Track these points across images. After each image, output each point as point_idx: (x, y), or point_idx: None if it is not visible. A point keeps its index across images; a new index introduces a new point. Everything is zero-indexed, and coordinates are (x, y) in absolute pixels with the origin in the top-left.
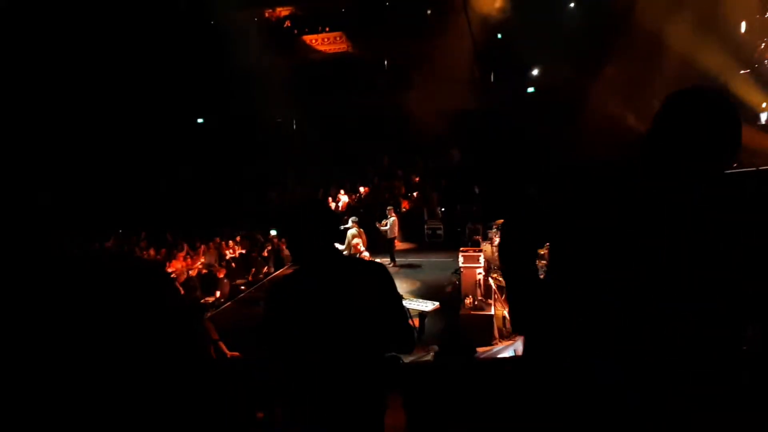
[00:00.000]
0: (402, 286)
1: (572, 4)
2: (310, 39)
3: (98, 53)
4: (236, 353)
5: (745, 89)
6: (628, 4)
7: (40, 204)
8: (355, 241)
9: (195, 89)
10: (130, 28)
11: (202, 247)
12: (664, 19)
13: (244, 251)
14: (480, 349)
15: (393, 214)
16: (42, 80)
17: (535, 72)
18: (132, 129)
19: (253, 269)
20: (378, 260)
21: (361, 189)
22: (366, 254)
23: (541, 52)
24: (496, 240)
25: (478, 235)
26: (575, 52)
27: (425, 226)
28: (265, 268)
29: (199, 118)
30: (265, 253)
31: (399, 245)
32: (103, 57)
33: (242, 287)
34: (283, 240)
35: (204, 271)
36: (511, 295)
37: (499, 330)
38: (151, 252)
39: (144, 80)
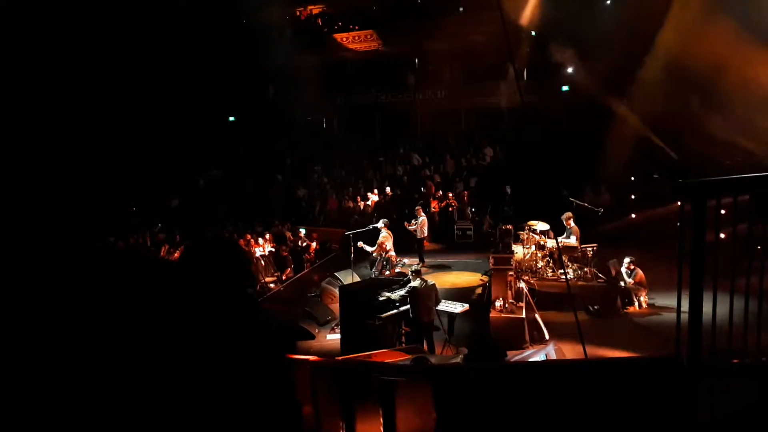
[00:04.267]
0: None
1: (608, 1)
2: (341, 37)
3: (135, 55)
4: None
5: None
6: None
7: (79, 203)
8: (380, 240)
9: (227, 88)
10: (165, 30)
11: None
12: (702, 16)
13: (273, 249)
14: (511, 353)
15: (422, 214)
16: (80, 82)
17: (569, 70)
18: (165, 128)
19: (288, 269)
20: (407, 260)
21: (387, 189)
22: (392, 254)
23: (575, 49)
24: (528, 241)
25: (510, 236)
26: (611, 49)
27: (455, 227)
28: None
29: (231, 116)
30: (285, 253)
31: (428, 245)
32: (139, 58)
33: (271, 285)
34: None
35: None
36: None
37: (530, 334)
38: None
39: (176, 79)
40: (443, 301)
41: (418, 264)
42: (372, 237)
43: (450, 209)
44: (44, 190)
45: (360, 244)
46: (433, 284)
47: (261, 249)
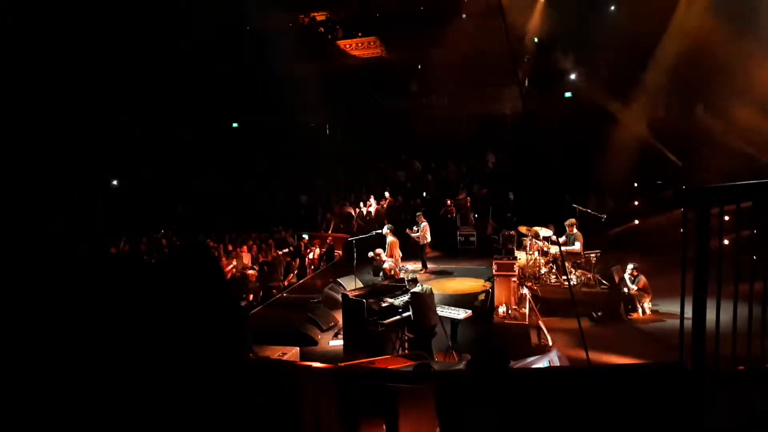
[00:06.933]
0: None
1: (612, 7)
2: (344, 44)
3: (136, 58)
4: None
5: None
6: (668, 6)
7: (71, 209)
8: (389, 245)
9: (230, 94)
10: (168, 35)
11: (238, 249)
12: (703, 22)
13: (276, 255)
14: (514, 360)
15: (423, 220)
16: (83, 87)
17: (572, 76)
18: (169, 133)
19: (291, 275)
20: (410, 266)
21: (387, 195)
22: (388, 263)
23: (579, 56)
24: (531, 248)
25: (512, 242)
26: (614, 55)
27: (458, 233)
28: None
29: (234, 122)
30: (287, 258)
31: (431, 252)
32: (141, 62)
33: (274, 290)
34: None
35: (238, 274)
36: None
37: (534, 340)
38: None
39: (180, 84)
40: (446, 307)
41: (421, 270)
42: (375, 243)
43: (449, 216)
44: (43, 193)
45: (370, 253)
46: (431, 288)
47: (264, 255)
